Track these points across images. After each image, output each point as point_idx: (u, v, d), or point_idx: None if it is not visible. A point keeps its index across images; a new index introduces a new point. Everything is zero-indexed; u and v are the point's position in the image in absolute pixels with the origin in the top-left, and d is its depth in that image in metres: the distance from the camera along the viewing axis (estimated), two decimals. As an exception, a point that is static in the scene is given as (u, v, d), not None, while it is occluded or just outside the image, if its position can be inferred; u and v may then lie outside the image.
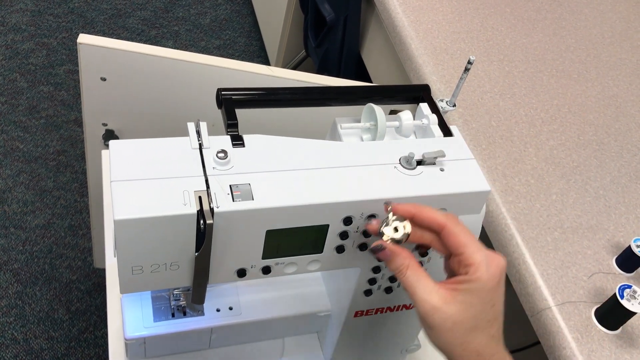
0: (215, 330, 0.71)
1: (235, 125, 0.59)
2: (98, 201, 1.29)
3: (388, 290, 0.68)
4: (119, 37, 2.25)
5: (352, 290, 0.67)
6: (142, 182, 0.53)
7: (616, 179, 1.00)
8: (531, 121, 1.06)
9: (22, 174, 1.76)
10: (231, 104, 0.61)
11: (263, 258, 0.58)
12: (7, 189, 1.72)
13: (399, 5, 1.21)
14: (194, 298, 0.60)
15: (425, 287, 0.52)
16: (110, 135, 1.16)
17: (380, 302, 0.69)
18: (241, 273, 0.59)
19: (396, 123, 0.64)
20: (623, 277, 0.87)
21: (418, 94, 0.68)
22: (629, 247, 0.85)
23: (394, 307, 0.71)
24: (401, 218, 0.54)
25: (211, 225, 0.52)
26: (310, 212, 0.56)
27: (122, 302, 0.70)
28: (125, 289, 0.56)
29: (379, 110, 0.63)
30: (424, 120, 0.65)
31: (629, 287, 0.78)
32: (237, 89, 0.63)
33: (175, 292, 0.71)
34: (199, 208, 0.52)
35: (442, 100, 0.69)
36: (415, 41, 1.15)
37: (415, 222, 0.54)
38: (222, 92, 0.62)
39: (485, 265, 0.52)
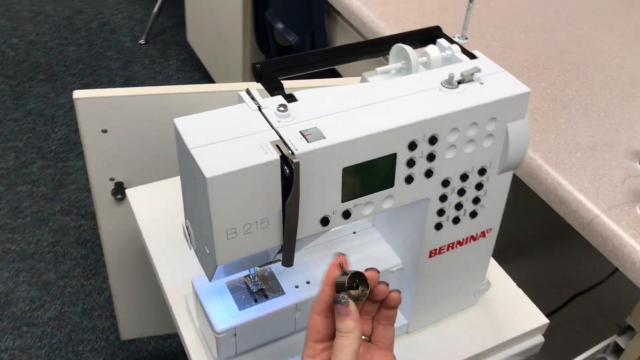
0: (300, 306, 0.70)
1: (282, 88, 0.62)
2: (117, 264, 1.27)
3: (456, 220, 0.70)
4: (83, 124, 2.25)
5: (424, 227, 0.68)
6: (218, 144, 0.54)
7: (611, 101, 1.05)
8: (518, 70, 1.11)
9: (22, 273, 1.72)
10: (270, 73, 0.63)
11: (343, 201, 0.60)
12: (10, 290, 1.67)
13: (362, 4, 1.27)
14: (284, 260, 0.60)
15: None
16: (120, 188, 1.15)
17: (450, 236, 0.71)
18: (324, 221, 0.60)
19: (424, 59, 0.68)
20: (652, 176, 0.91)
21: (432, 34, 0.72)
22: (649, 145, 0.90)
23: (463, 239, 0.73)
24: (362, 280, 0.56)
25: (297, 164, 0.53)
26: (378, 141, 0.58)
27: (202, 302, 0.69)
28: (221, 258, 0.56)
29: (407, 47, 0.66)
30: (448, 51, 0.69)
31: (665, 174, 0.82)
32: (268, 61, 0.65)
33: (252, 275, 0.71)
34: (280, 154, 0.53)
35: (454, 37, 0.73)
36: (387, 30, 1.21)
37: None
38: (258, 65, 0.64)
39: None
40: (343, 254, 0.58)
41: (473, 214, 0.71)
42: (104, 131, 1.08)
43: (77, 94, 1.04)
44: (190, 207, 0.61)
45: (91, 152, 1.10)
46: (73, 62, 2.52)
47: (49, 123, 2.23)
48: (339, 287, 0.56)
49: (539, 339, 0.84)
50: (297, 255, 0.75)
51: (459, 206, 0.69)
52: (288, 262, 0.60)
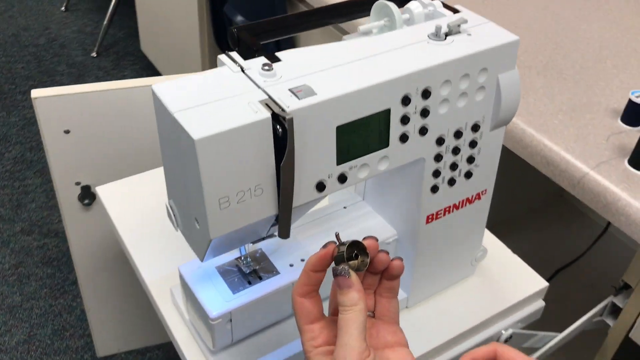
0: (296, 285, 0.66)
1: (263, 50, 0.58)
2: (88, 276, 1.20)
3: (451, 182, 0.67)
4: (38, 141, 2.17)
5: (420, 191, 0.65)
6: (203, 106, 0.50)
7: (583, 64, 1.05)
8: (489, 41, 1.10)
9: (-16, 298, 1.63)
10: (248, 36, 0.60)
11: (338, 164, 0.56)
12: (-27, 317, 1.58)
13: (325, -12, 1.25)
14: (280, 231, 0.56)
15: (361, 334, 0.49)
16: (87, 192, 1.09)
17: (446, 199, 0.68)
18: (320, 186, 0.56)
19: (407, 16, 0.65)
20: (634, 132, 0.90)
21: (410, -7, 0.69)
22: (629, 101, 0.89)
23: (459, 202, 0.70)
24: (361, 250, 0.52)
25: (291, 120, 0.49)
26: (372, 96, 0.55)
27: (192, 289, 0.65)
28: (215, 230, 0.52)
29: (390, 2, 0.63)
30: (430, 7, 0.66)
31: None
32: (245, 25, 0.62)
33: (243, 257, 0.67)
34: (271, 112, 0.50)
35: None
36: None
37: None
38: (235, 29, 0.60)
39: None
40: (333, 242, 0.53)
41: (468, 175, 0.68)
42: (67, 132, 1.02)
43: (36, 92, 0.98)
44: (175, 184, 0.56)
45: (54, 155, 1.04)
46: (22, 80, 2.42)
47: (2, 142, 2.13)
48: (337, 259, 0.52)
49: (540, 303, 0.82)
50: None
51: (454, 166, 0.66)
52: (284, 232, 0.57)
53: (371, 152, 0.58)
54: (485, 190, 0.72)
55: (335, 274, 0.51)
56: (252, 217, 0.54)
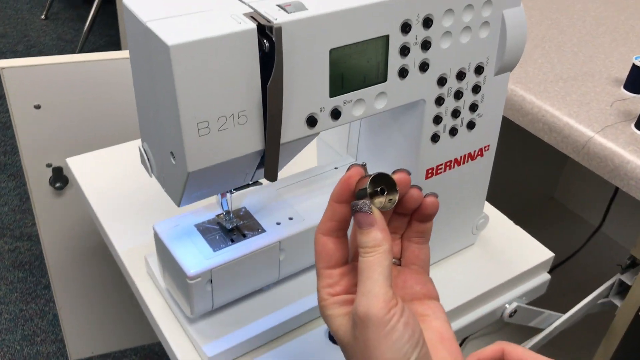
0: (284, 244, 0.60)
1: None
2: (60, 269, 1.12)
3: (453, 131, 0.62)
4: None
5: (419, 139, 0.60)
6: (180, 17, 0.44)
7: (581, 38, 1.01)
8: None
9: (-50, 303, 1.53)
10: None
11: (331, 96, 0.51)
12: (-63, 323, 1.48)
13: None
14: (267, 171, 0.50)
15: (386, 280, 0.41)
16: (59, 175, 1.02)
17: (447, 152, 0.63)
18: (311, 121, 0.51)
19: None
20: (637, 99, 0.86)
21: None
22: (633, 65, 0.85)
23: (461, 157, 0.64)
24: (389, 185, 0.44)
25: (279, 29, 0.44)
26: (368, 17, 0.49)
27: (169, 247, 0.58)
28: (193, 162, 0.46)
29: None
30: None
31: (658, 84, 0.77)
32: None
33: (225, 213, 0.60)
34: (257, 24, 0.44)
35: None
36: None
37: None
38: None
39: None
40: (360, 166, 0.45)
41: (470, 125, 0.63)
42: (37, 107, 0.96)
43: (4, 63, 0.91)
44: (149, 118, 0.50)
45: (24, 134, 0.97)
46: (-1, 84, 2.35)
47: (-25, 146, 2.05)
48: (359, 195, 0.44)
49: (545, 276, 0.76)
50: (273, 193, 0.65)
51: (455, 113, 0.61)
52: (271, 173, 0.50)
53: (368, 86, 0.53)
54: (488, 147, 0.67)
55: (355, 210, 0.43)
56: (235, 150, 0.48)
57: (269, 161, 0.50)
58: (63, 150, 1.00)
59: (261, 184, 0.57)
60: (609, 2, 1.15)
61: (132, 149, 0.86)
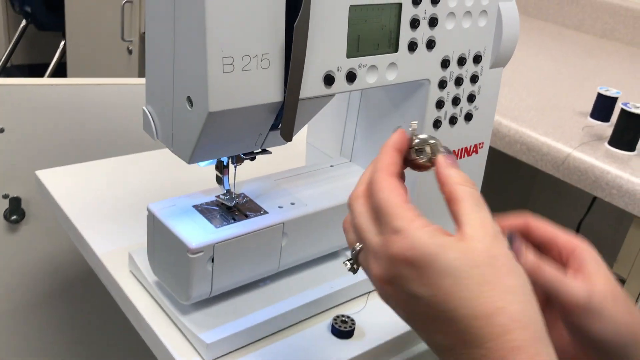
0: (287, 227, 0.57)
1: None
2: (6, 322, 1.02)
3: (452, 120, 0.62)
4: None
5: (423, 123, 0.60)
6: (209, -44, 0.44)
7: (543, 80, 1.07)
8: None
9: None
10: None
11: (348, 57, 0.51)
12: None
13: None
14: (284, 128, 0.49)
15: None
16: (16, 207, 0.96)
17: (446, 142, 0.63)
18: (329, 79, 0.50)
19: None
20: (604, 126, 0.90)
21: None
22: (598, 95, 0.90)
23: (458, 150, 0.65)
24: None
25: (310, -32, 0.44)
26: (385, -18, 0.51)
27: (167, 223, 0.54)
28: (215, 102, 0.44)
29: None
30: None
31: (626, 104, 0.81)
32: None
33: (225, 192, 0.57)
34: (285, -36, 0.45)
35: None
36: None
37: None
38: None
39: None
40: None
41: (468, 117, 0.64)
42: (1, 130, 0.91)
43: (-32, 80, 0.87)
44: (163, 67, 0.48)
45: (-19, 158, 0.91)
46: None
47: None
48: (418, 147, 0.42)
49: (537, 288, 0.75)
50: (272, 182, 0.63)
51: (455, 101, 0.62)
52: (288, 131, 0.49)
53: (381, 54, 0.53)
54: (482, 144, 0.68)
55: (439, 152, 0.41)
56: (256, 96, 0.46)
57: (287, 116, 0.48)
58: (24, 177, 0.94)
59: (270, 152, 0.55)
60: (570, 43, 1.24)
61: (106, 165, 0.82)
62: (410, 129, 0.43)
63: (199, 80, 0.44)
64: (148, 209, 0.56)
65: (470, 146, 0.66)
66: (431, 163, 0.42)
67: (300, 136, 0.73)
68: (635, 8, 1.39)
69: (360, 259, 0.40)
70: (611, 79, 1.12)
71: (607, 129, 0.89)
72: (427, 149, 0.42)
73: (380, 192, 0.38)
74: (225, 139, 0.49)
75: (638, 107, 0.78)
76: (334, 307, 0.61)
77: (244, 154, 0.54)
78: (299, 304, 0.58)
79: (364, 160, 0.68)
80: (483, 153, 0.68)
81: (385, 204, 0.38)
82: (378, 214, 0.38)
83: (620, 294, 0.40)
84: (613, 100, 0.89)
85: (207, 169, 0.58)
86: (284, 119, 0.48)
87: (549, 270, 0.40)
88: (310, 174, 0.66)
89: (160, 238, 0.55)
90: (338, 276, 0.63)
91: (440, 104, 0.61)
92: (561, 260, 0.43)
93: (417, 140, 0.43)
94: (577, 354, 0.42)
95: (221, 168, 0.56)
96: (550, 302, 0.42)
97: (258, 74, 0.46)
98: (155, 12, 0.48)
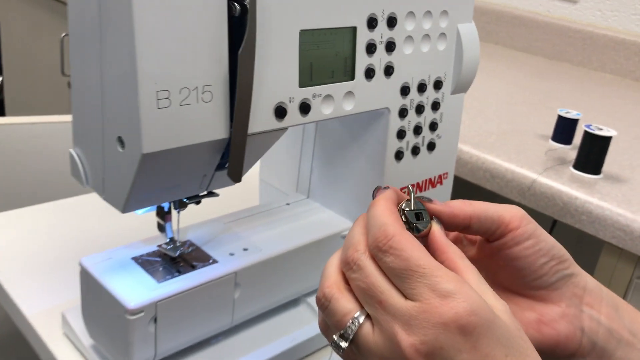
0: (241, 277, 0.51)
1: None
2: None
3: (415, 151, 0.58)
4: None
5: (384, 156, 0.56)
6: (138, -23, 0.39)
7: (500, 105, 1.05)
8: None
9: None
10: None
11: (300, 86, 0.46)
12: None
13: None
14: (231, 168, 0.43)
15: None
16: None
17: (410, 173, 0.59)
18: (280, 112, 0.45)
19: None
20: (566, 149, 0.88)
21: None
22: (559, 117, 0.88)
23: (422, 182, 0.61)
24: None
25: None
26: (337, 3, 0.46)
27: (101, 281, 0.47)
28: (150, 141, 0.38)
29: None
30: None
31: (589, 125, 0.79)
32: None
33: (169, 241, 0.51)
34: (225, -13, 0.40)
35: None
36: None
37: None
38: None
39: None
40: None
41: (431, 146, 0.60)
42: None
43: None
44: (90, 105, 0.42)
45: None
46: None
47: None
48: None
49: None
50: (221, 226, 0.57)
51: (417, 130, 0.57)
52: (236, 170, 0.43)
53: (336, 82, 0.48)
54: (447, 175, 0.64)
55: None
56: (198, 133, 0.41)
57: (234, 154, 0.43)
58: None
59: (217, 195, 0.49)
60: (521, 65, 1.22)
61: (37, 212, 0.75)
62: (406, 190, 0.39)
63: (130, 118, 0.38)
64: (80, 265, 0.50)
65: (435, 177, 0.62)
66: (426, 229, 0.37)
67: (253, 172, 0.67)
68: (583, 29, 1.40)
69: (364, 331, 0.33)
70: (568, 101, 1.10)
71: (569, 152, 0.86)
72: (425, 214, 0.37)
73: (405, 250, 0.32)
74: (163, 183, 0.43)
75: (601, 129, 0.76)
76: (296, 361, 0.56)
77: (187, 198, 0.48)
78: (259, 362, 0.52)
79: (322, 196, 0.63)
80: (448, 184, 0.64)
81: (417, 263, 0.32)
82: (403, 274, 0.32)
83: None
84: (574, 122, 0.87)
85: (147, 215, 0.51)
86: (231, 158, 0.43)
87: (482, 207, 0.38)
88: (264, 214, 0.60)
89: (95, 297, 0.49)
90: (299, 326, 0.57)
91: (401, 134, 0.56)
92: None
93: (413, 203, 0.38)
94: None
95: (162, 214, 0.50)
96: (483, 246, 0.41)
97: (199, 108, 0.40)
98: (79, 41, 0.42)
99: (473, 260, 0.37)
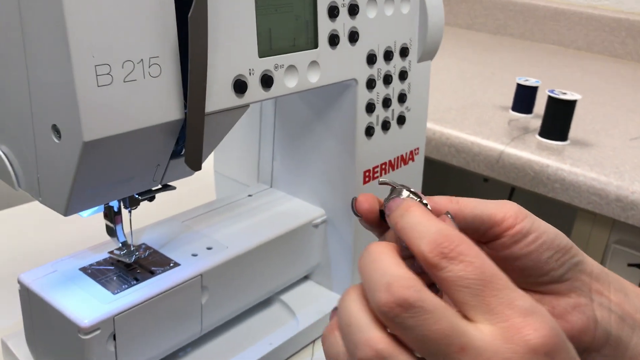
0: (207, 278, 0.45)
1: None
2: None
3: (385, 125, 0.54)
4: None
5: (354, 132, 0.51)
6: None
7: (454, 81, 1.02)
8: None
9: None
10: None
11: (260, 56, 0.40)
12: None
13: None
14: (189, 155, 0.37)
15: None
16: None
17: (381, 150, 0.54)
18: (240, 86, 0.39)
19: None
20: (528, 118, 0.86)
21: None
22: (518, 86, 0.85)
23: (394, 160, 0.56)
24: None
25: (201, -60, 0.33)
26: (294, -38, 0.41)
27: (47, 298, 0.41)
28: (91, 127, 0.32)
29: None
30: None
31: (552, 90, 0.77)
32: None
33: (122, 247, 0.45)
34: (167, -61, 0.34)
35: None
36: None
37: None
38: None
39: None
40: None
41: (401, 120, 0.55)
42: None
43: None
44: (13, 92, 0.36)
45: None
46: None
47: None
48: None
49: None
50: (178, 226, 0.51)
51: (386, 102, 0.53)
52: (194, 156, 0.37)
53: (299, 50, 0.43)
54: (418, 150, 0.59)
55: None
56: (148, 114, 0.35)
57: (191, 137, 0.37)
58: None
59: (174, 188, 0.43)
60: (466, 42, 1.20)
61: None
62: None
63: (65, 101, 0.32)
64: (19, 282, 0.43)
65: (406, 153, 0.58)
66: None
67: (207, 165, 0.61)
68: (523, 2, 1.39)
69: None
70: (520, 72, 1.09)
71: (532, 120, 0.84)
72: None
73: (478, 257, 0.27)
74: (111, 177, 0.37)
75: (565, 94, 0.73)
76: (275, 367, 0.50)
77: (139, 194, 0.42)
78: (233, 375, 0.47)
79: (287, 183, 0.58)
80: (419, 160, 0.60)
81: (492, 273, 0.26)
82: (477, 286, 0.26)
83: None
84: (534, 90, 0.84)
85: (94, 218, 0.45)
86: (188, 142, 0.37)
87: (469, 204, 0.34)
88: (225, 209, 0.54)
89: (40, 317, 0.42)
90: (275, 328, 0.52)
91: (370, 107, 0.51)
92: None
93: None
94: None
95: (111, 216, 0.43)
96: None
97: (147, 85, 0.34)
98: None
99: None
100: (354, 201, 0.35)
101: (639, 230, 0.67)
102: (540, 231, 0.34)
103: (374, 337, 0.26)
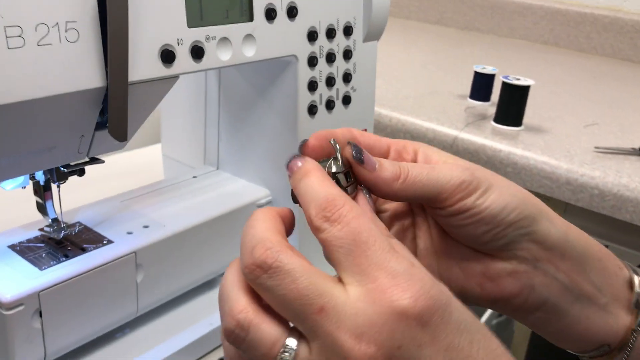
0: (142, 256, 0.45)
1: None
2: None
3: (329, 104, 0.53)
4: None
5: (296, 111, 0.50)
6: None
7: (413, 72, 1.02)
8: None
9: None
10: None
11: (189, 26, 0.40)
12: None
13: None
14: (113, 125, 0.36)
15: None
16: None
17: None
18: (168, 56, 0.39)
19: None
20: (485, 106, 0.86)
21: None
22: (475, 73, 0.86)
23: (341, 140, 0.56)
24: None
25: None
26: None
27: (-33, 274, 0.39)
28: (3, 92, 0.31)
29: None
30: None
31: (507, 77, 0.77)
32: None
33: (52, 224, 0.44)
34: None
35: None
36: None
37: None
38: None
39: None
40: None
41: (346, 100, 0.55)
42: None
43: None
44: None
45: None
46: None
47: None
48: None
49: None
50: (116, 205, 0.50)
51: (330, 81, 0.52)
52: (119, 127, 0.37)
53: (232, 23, 0.43)
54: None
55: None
56: (64, 81, 0.34)
57: (114, 106, 0.36)
58: None
59: (102, 162, 0.43)
60: (434, 37, 1.20)
61: None
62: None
63: (-27, 63, 0.31)
64: (-57, 259, 0.41)
65: (353, 134, 0.57)
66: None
67: (155, 149, 0.61)
68: (490, -3, 1.40)
69: (302, 358, 0.25)
70: (482, 63, 1.09)
71: (489, 108, 0.84)
72: (349, 174, 0.31)
73: (359, 217, 0.26)
74: (28, 145, 0.36)
75: (519, 79, 0.74)
76: (216, 348, 0.49)
77: (66, 167, 0.41)
78: (171, 352, 0.46)
79: (233, 164, 0.57)
80: (368, 141, 0.60)
81: (368, 239, 0.26)
82: (350, 247, 0.26)
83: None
84: (491, 78, 0.84)
85: (31, 197, 0.44)
86: (110, 111, 0.36)
87: (417, 181, 0.32)
88: (167, 189, 0.54)
89: (-36, 296, 0.41)
90: (216, 309, 0.51)
91: (313, 86, 0.51)
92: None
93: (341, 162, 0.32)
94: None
95: (41, 192, 0.42)
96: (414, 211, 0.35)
97: (63, 50, 0.33)
98: None
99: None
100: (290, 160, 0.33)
101: (589, 213, 0.67)
102: (482, 207, 0.33)
103: (236, 306, 0.26)
